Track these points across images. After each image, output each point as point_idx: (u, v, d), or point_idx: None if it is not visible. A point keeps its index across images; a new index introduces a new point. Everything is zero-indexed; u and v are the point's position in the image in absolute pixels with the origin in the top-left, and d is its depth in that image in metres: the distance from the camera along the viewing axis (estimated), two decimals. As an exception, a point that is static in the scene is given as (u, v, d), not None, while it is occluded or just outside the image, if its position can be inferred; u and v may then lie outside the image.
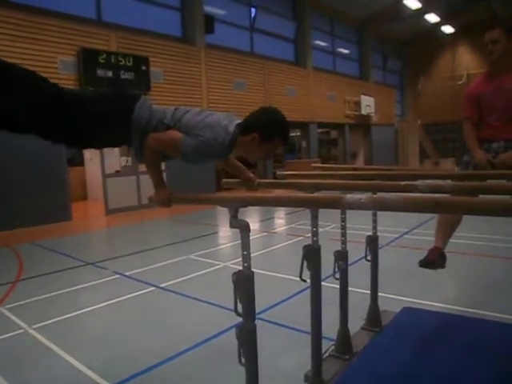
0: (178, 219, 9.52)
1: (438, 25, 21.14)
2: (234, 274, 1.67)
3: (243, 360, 1.74)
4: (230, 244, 7.03)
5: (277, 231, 7.96)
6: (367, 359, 2.67)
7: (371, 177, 2.67)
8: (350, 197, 1.34)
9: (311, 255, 2.10)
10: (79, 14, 10.21)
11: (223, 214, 10.21)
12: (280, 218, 9.40)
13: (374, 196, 1.32)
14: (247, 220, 1.73)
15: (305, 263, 2.17)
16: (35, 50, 8.98)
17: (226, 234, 8.07)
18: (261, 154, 2.09)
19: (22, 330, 3.65)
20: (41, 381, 2.82)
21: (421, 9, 18.17)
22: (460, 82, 20.19)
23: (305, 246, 2.12)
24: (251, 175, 2.62)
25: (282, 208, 10.27)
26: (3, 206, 8.48)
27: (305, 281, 2.12)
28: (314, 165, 3.40)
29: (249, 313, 1.67)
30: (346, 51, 20.21)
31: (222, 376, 2.79)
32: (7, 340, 3.48)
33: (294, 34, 16.76)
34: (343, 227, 2.72)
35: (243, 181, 2.59)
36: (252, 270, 1.68)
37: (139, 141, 2.04)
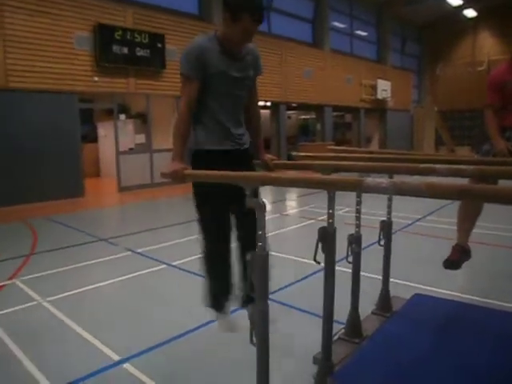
0: (190, 198, 9.51)
1: (460, 8, 20.60)
2: (250, 253, 1.66)
3: (254, 340, 1.74)
4: (241, 225, 7.04)
5: (289, 213, 7.94)
6: (377, 344, 2.67)
7: (387, 160, 2.62)
8: (371, 180, 1.31)
9: (326, 238, 2.08)
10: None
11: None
12: (292, 200, 9.37)
13: (395, 180, 1.29)
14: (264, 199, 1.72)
15: (319, 246, 2.15)
16: (52, 24, 8.96)
17: (237, 214, 8.08)
18: (238, 35, 2.14)
19: (35, 303, 3.71)
20: (56, 353, 2.86)
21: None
22: (480, 68, 19.74)
23: (320, 228, 2.10)
24: (267, 157, 2.60)
25: (294, 190, 10.25)
26: (18, 181, 8.57)
27: (319, 263, 2.10)
28: (329, 147, 3.36)
29: (262, 293, 1.66)
30: (364, 33, 19.84)
31: (233, 354, 2.81)
32: (22, 311, 3.55)
33: (312, 15, 16.47)
34: (358, 211, 2.69)
35: (261, 162, 2.57)
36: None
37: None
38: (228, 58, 2.27)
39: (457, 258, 3.44)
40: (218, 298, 2.63)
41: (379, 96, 18.82)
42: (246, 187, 1.62)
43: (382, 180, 1.30)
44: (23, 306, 3.63)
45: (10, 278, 4.32)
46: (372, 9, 19.91)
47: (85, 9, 9.47)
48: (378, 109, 19.72)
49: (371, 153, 3.19)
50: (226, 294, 2.63)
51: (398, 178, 1.46)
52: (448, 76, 21.26)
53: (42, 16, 8.82)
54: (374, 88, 18.69)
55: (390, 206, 3.16)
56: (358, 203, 2.69)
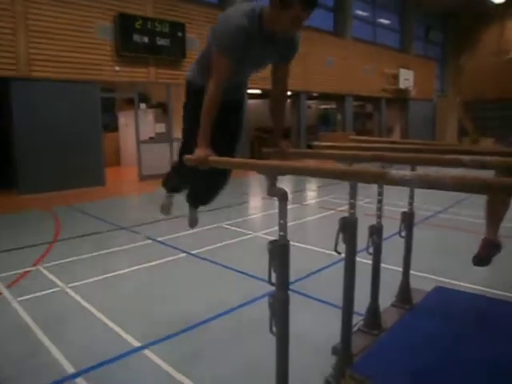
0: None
1: (487, -6, 20.02)
2: (270, 242, 1.66)
3: (274, 329, 1.74)
4: (260, 214, 7.06)
5: (308, 203, 7.91)
6: (396, 335, 2.65)
7: (410, 151, 2.58)
8: (395, 173, 1.29)
9: (348, 228, 2.06)
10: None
11: (254, 184, 10.24)
12: (311, 191, 9.33)
13: (420, 173, 1.26)
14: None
15: (340, 236, 2.14)
16: (73, 14, 9.03)
17: (256, 204, 8.11)
18: (286, 24, 2.02)
19: (58, 289, 3.79)
20: (80, 339, 2.92)
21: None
22: (508, 58, 19.23)
23: (341, 219, 2.08)
24: (284, 145, 2.58)
25: (314, 180, 10.20)
26: (41, 170, 8.73)
27: (339, 253, 2.09)
28: (351, 137, 3.32)
29: (283, 282, 1.66)
30: (386, 21, 19.49)
31: (251, 343, 2.83)
32: (46, 297, 3.63)
33: (333, 2, 16.23)
34: (380, 202, 2.66)
35: (276, 150, 2.55)
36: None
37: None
38: (264, 41, 2.18)
39: (486, 253, 3.37)
40: (172, 188, 3.36)
41: (401, 85, 18.50)
42: (268, 175, 1.61)
43: (406, 172, 1.27)
44: (47, 292, 3.71)
45: (35, 265, 4.41)
46: (395, -5, 19.52)
47: (106, -2, 9.53)
48: (400, 98, 19.40)
49: (393, 143, 3.14)
50: (178, 191, 3.38)
51: (420, 169, 1.43)
52: (473, 65, 20.78)
53: (65, 6, 8.90)
54: (396, 77, 18.38)
55: (411, 197, 3.12)
56: (380, 194, 2.65)
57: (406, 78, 18.72)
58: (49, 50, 8.73)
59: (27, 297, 3.60)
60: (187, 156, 2.12)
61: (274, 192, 1.63)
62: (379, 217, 2.73)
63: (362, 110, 20.50)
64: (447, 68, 24.76)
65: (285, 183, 9.99)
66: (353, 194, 2.07)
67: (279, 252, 1.63)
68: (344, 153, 2.17)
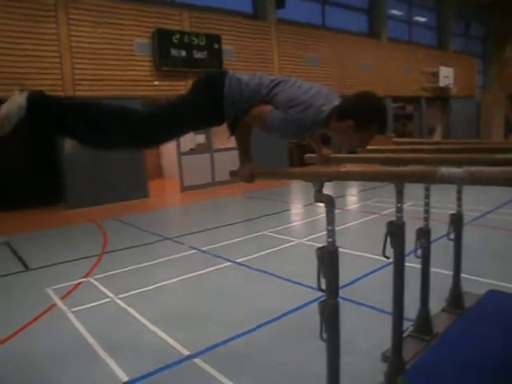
0: (250, 196, 9.64)
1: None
2: (319, 249, 1.66)
3: (324, 335, 1.73)
4: (302, 221, 7.03)
5: (350, 208, 7.82)
6: (449, 341, 2.57)
7: (457, 151, 2.51)
8: (445, 170, 1.26)
9: (395, 232, 2.03)
10: (153, -5, 10.46)
11: (295, 191, 10.22)
12: (353, 195, 9.22)
13: (472, 169, 1.23)
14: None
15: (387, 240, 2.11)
16: (113, 33, 9.35)
17: (297, 211, 8.09)
18: (354, 141, 1.92)
19: (109, 299, 3.91)
20: (132, 348, 3.01)
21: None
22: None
23: (389, 223, 2.05)
24: (325, 151, 2.57)
25: (354, 185, 10.08)
26: (88, 185, 9.04)
27: (388, 258, 2.06)
28: (394, 139, 3.26)
29: (332, 288, 1.65)
30: (423, 19, 19.08)
31: (299, 351, 2.82)
32: (98, 307, 3.75)
33: (367, 4, 16.07)
34: (427, 204, 2.61)
35: (319, 156, 2.55)
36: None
37: (233, 113, 2.05)
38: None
39: None
40: (44, 108, 2.11)
41: (441, 83, 18.02)
42: (314, 182, 1.62)
43: (457, 169, 1.25)
44: (98, 303, 3.83)
45: (85, 276, 4.57)
46: (431, -8, 19.08)
47: (143, 16, 9.80)
48: (441, 97, 18.89)
49: (437, 143, 3.07)
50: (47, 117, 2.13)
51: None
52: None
53: (104, 26, 9.23)
54: (436, 75, 17.92)
55: (459, 199, 3.04)
56: (427, 196, 2.60)
57: (446, 76, 18.22)
58: (91, 69, 9.07)
59: (80, 307, 3.73)
60: (233, 171, 2.13)
61: (321, 198, 1.63)
62: (426, 219, 2.68)
63: (402, 111, 20.08)
64: (490, 62, 23.92)
65: (327, 189, 9.92)
66: (399, 198, 2.03)
67: (328, 258, 1.62)
68: (388, 156, 2.14)
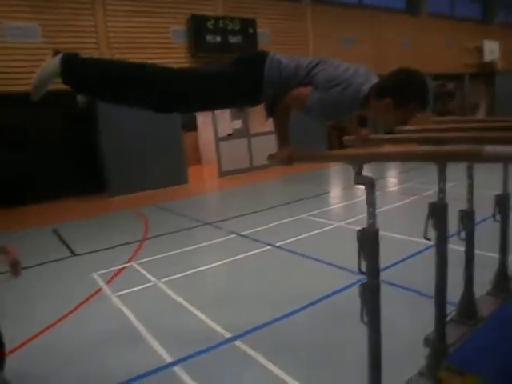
0: (288, 179, 9.61)
1: None
2: (359, 231, 1.64)
3: (365, 318, 1.72)
4: (341, 204, 6.96)
5: (390, 190, 7.67)
6: (494, 325, 2.50)
7: (503, 128, 2.40)
8: (492, 148, 1.21)
9: (437, 213, 1.98)
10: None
11: (333, 175, 10.12)
12: (392, 177, 9.04)
13: (519, 147, 1.18)
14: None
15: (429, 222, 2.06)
16: (150, 22, 9.44)
17: (336, 194, 8.02)
18: (395, 120, 1.89)
19: (152, 283, 4.02)
20: (175, 331, 3.09)
21: None
22: None
23: (430, 204, 2.01)
24: (364, 132, 2.52)
25: (395, 166, 9.88)
26: (128, 173, 9.27)
27: (429, 239, 2.02)
28: (434, 118, 3.16)
29: (373, 270, 1.63)
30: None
31: (340, 333, 2.82)
32: (142, 291, 3.87)
33: (405, -21, 15.51)
34: (470, 185, 2.52)
35: (357, 138, 2.50)
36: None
37: (272, 94, 2.03)
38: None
39: None
40: (78, 68, 2.09)
41: (486, 59, 17.24)
42: (354, 164, 1.59)
43: (503, 148, 1.19)
44: (142, 287, 3.95)
45: (128, 261, 4.71)
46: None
47: (178, 3, 9.84)
48: (485, 73, 18.09)
49: (482, 121, 2.96)
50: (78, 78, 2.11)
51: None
52: None
53: (140, 15, 9.33)
54: (480, 50, 17.15)
55: (505, 180, 2.92)
56: (470, 176, 2.52)
57: (492, 50, 17.41)
58: (129, 58, 9.20)
59: (125, 292, 3.85)
60: (271, 154, 2.13)
61: (361, 180, 1.61)
62: (470, 200, 2.59)
63: (443, 89, 19.38)
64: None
65: (366, 171, 9.77)
66: (442, 178, 1.98)
67: (369, 240, 1.61)
68: (428, 135, 2.08)
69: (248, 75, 2.04)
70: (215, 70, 2.14)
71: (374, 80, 1.92)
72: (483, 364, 1.97)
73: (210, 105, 2.28)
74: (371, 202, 1.61)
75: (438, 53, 15.66)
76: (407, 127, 2.96)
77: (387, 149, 1.58)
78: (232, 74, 2.07)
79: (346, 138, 2.53)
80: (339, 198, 7.62)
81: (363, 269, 1.67)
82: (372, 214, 1.62)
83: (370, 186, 1.61)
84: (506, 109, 18.10)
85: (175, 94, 2.06)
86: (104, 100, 2.24)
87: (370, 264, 1.64)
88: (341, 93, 1.85)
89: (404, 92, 1.80)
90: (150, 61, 9.31)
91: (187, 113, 2.53)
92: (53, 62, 2.04)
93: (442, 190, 2.00)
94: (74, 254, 5.20)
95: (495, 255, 3.07)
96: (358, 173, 1.63)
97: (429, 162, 1.42)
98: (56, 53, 2.09)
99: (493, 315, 2.57)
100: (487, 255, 3.28)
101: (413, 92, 1.81)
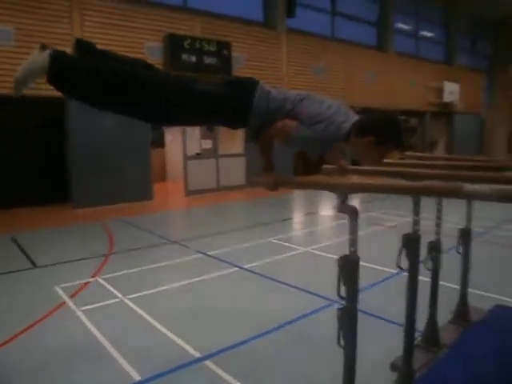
0: (254, 203, 9.71)
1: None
2: (340, 258, 1.72)
3: (342, 342, 1.79)
4: (307, 230, 7.09)
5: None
6: (457, 352, 2.63)
7: (472, 167, 2.57)
8: (470, 186, 1.33)
9: (411, 244, 2.09)
10: (166, 1, 10.57)
11: (296, 200, 10.28)
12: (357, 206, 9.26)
13: (498, 187, 1.29)
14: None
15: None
16: (125, 36, 9.45)
17: (300, 219, 8.16)
18: (373, 156, 2.01)
19: (118, 299, 3.95)
20: (143, 348, 3.05)
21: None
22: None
23: (405, 235, 2.12)
24: (342, 163, 2.63)
25: (357, 196, 10.15)
26: (94, 185, 9.11)
27: (402, 268, 2.12)
28: (407, 153, 3.33)
29: (353, 296, 1.71)
30: (430, 34, 19.22)
31: (308, 357, 2.86)
32: (108, 307, 3.80)
33: (376, 17, 16.22)
34: (439, 218, 2.67)
35: (337, 167, 2.61)
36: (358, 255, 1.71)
37: (258, 124, 2.10)
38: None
39: None
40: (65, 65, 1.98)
41: (446, 99, 18.14)
42: (339, 193, 1.68)
43: (484, 186, 1.31)
44: (108, 302, 3.88)
45: (93, 276, 4.61)
46: (439, 7, 19.22)
47: (156, 20, 9.92)
48: (445, 112, 19.01)
49: (451, 160, 3.14)
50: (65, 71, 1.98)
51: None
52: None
53: (117, 29, 9.34)
54: (441, 91, 18.05)
55: (469, 213, 3.10)
56: (439, 210, 2.67)
57: (451, 92, 18.34)
58: (102, 70, 9.15)
59: (89, 307, 3.77)
60: (255, 179, 2.19)
61: (345, 209, 1.70)
62: (438, 233, 2.74)
63: (406, 125, 20.16)
64: (496, 80, 24.06)
65: (326, 199, 10.00)
66: (416, 210, 2.10)
67: (350, 267, 1.68)
68: (408, 170, 2.20)
69: (238, 100, 2.10)
70: (208, 87, 2.14)
71: (354, 118, 2.05)
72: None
73: (197, 119, 2.31)
74: (353, 230, 1.70)
75: (403, 89, 16.38)
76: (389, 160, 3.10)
77: (377, 181, 1.68)
78: (222, 94, 2.11)
79: (324, 166, 2.64)
80: (303, 223, 7.75)
81: (342, 293, 1.75)
82: (354, 242, 1.70)
83: (353, 214, 1.70)
84: (463, 148, 19.05)
85: (171, 104, 2.07)
86: (94, 105, 2.13)
87: (349, 289, 1.71)
88: (323, 130, 1.96)
89: (384, 132, 1.95)
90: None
91: (171, 124, 2.52)
92: (40, 58, 1.91)
93: (416, 223, 2.12)
94: (35, 265, 5.05)
95: (453, 286, 3.22)
96: (343, 202, 1.71)
97: (412, 195, 1.52)
98: (43, 47, 1.95)
99: (456, 343, 2.70)
100: (450, 286, 3.44)
101: (391, 133, 1.97)
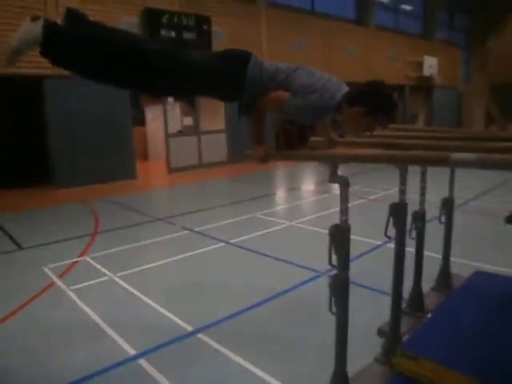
0: (237, 179, 9.73)
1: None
2: (332, 226, 1.77)
3: (334, 309, 1.85)
4: (289, 205, 7.16)
5: (338, 193, 7.96)
6: (440, 317, 2.73)
7: (454, 139, 2.63)
8: (457, 155, 1.37)
9: (398, 213, 2.15)
10: (143, -27, 10.30)
11: (279, 176, 10.34)
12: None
13: (483, 155, 1.34)
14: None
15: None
16: (102, 11, 9.18)
17: (283, 194, 8.24)
18: (363, 127, 2.03)
19: (107, 277, 3.97)
20: (136, 324, 3.10)
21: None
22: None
23: (392, 204, 2.18)
24: (333, 134, 2.66)
25: (341, 171, 10.25)
26: (76, 165, 8.99)
27: (389, 237, 2.19)
28: (391, 126, 3.37)
29: (344, 264, 1.77)
30: (409, 7, 19.18)
31: (299, 325, 2.95)
32: (98, 285, 3.82)
33: (355, -10, 16.10)
34: (423, 188, 2.74)
35: (327, 140, 2.64)
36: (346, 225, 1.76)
37: (252, 96, 2.09)
38: None
39: None
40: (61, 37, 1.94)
41: (425, 73, 18.24)
42: (330, 164, 1.72)
43: (469, 154, 1.36)
44: (98, 280, 3.90)
45: (81, 255, 4.62)
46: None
47: (132, -6, 9.69)
48: (425, 86, 19.14)
49: (433, 131, 3.20)
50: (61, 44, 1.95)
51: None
52: (500, 48, 20.30)
53: (93, 3, 9.09)
54: (420, 65, 18.13)
55: (451, 183, 3.18)
56: (423, 180, 2.73)
57: (431, 65, 18.45)
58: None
59: (80, 285, 3.78)
60: (249, 152, 2.21)
61: (336, 179, 1.74)
62: (422, 202, 2.81)
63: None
64: (473, 54, 24.21)
65: (310, 174, 10.08)
66: (403, 180, 2.15)
67: (341, 235, 1.73)
68: (397, 142, 2.24)
69: (234, 71, 2.10)
70: (205, 57, 2.17)
71: (345, 89, 2.06)
72: (435, 350, 2.17)
73: (194, 89, 2.31)
74: (344, 200, 1.74)
75: (383, 64, 16.38)
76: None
77: (367, 150, 1.72)
78: (218, 66, 2.11)
79: (313, 139, 2.66)
80: (286, 198, 7.83)
81: (334, 262, 1.80)
82: (345, 211, 1.75)
83: (344, 184, 1.74)
84: (442, 121, 19.26)
85: (176, 73, 2.05)
86: (90, 77, 2.08)
87: (341, 257, 1.77)
88: (317, 99, 1.97)
89: (374, 103, 1.96)
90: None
91: (167, 94, 2.47)
92: (33, 30, 1.86)
93: (402, 192, 2.18)
94: (20, 247, 5.00)
95: (436, 255, 3.33)
96: (333, 172, 1.75)
97: (400, 164, 1.56)
98: (35, 18, 1.89)
99: (439, 308, 2.81)
100: (432, 255, 3.55)
101: (382, 104, 1.97)
